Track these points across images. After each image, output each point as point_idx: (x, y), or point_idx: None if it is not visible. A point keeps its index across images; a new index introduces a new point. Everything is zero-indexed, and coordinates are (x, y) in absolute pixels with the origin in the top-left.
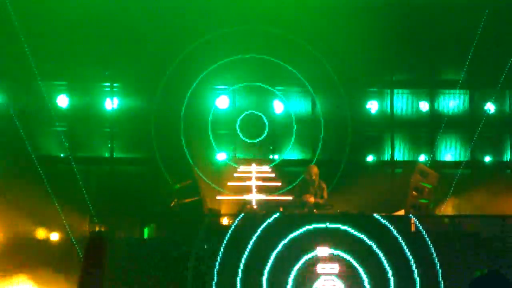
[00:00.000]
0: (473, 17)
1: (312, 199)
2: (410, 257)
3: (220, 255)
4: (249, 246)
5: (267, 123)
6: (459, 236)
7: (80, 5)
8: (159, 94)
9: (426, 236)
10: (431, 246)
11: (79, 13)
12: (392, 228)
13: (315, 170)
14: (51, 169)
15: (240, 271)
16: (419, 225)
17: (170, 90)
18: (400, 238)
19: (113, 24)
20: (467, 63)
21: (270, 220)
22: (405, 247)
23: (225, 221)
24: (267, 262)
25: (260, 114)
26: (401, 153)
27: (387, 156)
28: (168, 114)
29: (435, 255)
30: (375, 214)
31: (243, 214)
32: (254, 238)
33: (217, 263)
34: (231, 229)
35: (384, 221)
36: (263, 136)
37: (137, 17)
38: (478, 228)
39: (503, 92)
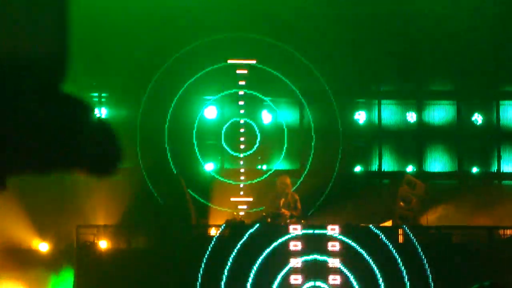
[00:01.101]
0: (461, 28)
1: (287, 212)
2: (403, 267)
3: (204, 264)
4: (233, 255)
5: (258, 132)
6: (447, 247)
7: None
8: (143, 104)
9: (418, 247)
10: (423, 257)
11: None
12: (384, 238)
13: (287, 180)
14: (38, 179)
15: (224, 277)
16: (412, 237)
17: (155, 100)
18: (391, 247)
19: (99, 32)
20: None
21: (252, 230)
22: (396, 256)
23: (212, 231)
24: (251, 270)
25: (249, 121)
26: (388, 163)
27: (374, 167)
28: (153, 124)
29: (427, 266)
30: (368, 225)
31: (224, 224)
32: (238, 246)
33: (200, 271)
34: (215, 238)
35: (376, 231)
36: (255, 148)
37: (122, 25)
38: (466, 239)
39: (490, 102)
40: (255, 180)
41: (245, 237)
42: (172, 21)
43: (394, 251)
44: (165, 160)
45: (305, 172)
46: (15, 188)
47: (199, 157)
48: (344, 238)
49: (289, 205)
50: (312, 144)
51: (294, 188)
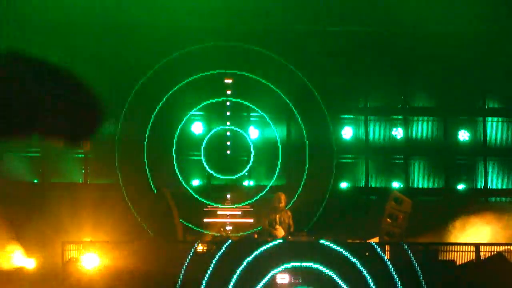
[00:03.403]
0: (448, 47)
1: (281, 233)
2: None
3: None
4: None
5: (246, 147)
6: (434, 263)
7: (55, 32)
8: (123, 118)
9: (415, 262)
10: (419, 273)
11: (53, 39)
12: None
13: (283, 197)
14: (26, 194)
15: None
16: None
17: (135, 114)
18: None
19: (79, 46)
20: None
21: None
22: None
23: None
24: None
25: (235, 128)
26: (375, 180)
27: (362, 183)
28: (133, 138)
29: (423, 283)
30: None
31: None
32: (217, 257)
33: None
34: (192, 250)
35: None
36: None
37: (103, 38)
38: (453, 255)
39: (477, 119)
40: (242, 204)
41: (220, 251)
42: (154, 33)
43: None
44: (145, 177)
45: (300, 189)
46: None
47: (178, 173)
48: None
49: (283, 221)
50: (306, 160)
51: (289, 205)
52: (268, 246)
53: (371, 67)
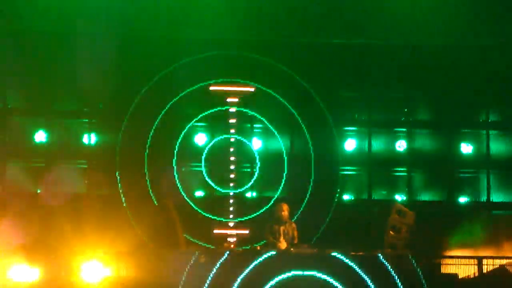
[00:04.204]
0: (450, 59)
1: (283, 246)
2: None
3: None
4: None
5: (250, 158)
6: (436, 276)
7: (58, 44)
8: (124, 128)
9: (420, 274)
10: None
11: (56, 52)
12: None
13: (286, 207)
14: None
15: None
16: (415, 265)
17: (136, 124)
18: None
19: (80, 56)
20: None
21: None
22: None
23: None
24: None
25: (238, 137)
26: (378, 192)
27: (365, 195)
28: (134, 149)
29: None
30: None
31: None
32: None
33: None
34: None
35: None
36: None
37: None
38: (456, 267)
39: (480, 132)
40: (246, 218)
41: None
42: (155, 45)
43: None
44: (146, 188)
45: (305, 200)
46: None
47: (178, 185)
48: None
49: (287, 233)
50: (312, 171)
51: (295, 218)
52: (262, 258)
53: (375, 79)
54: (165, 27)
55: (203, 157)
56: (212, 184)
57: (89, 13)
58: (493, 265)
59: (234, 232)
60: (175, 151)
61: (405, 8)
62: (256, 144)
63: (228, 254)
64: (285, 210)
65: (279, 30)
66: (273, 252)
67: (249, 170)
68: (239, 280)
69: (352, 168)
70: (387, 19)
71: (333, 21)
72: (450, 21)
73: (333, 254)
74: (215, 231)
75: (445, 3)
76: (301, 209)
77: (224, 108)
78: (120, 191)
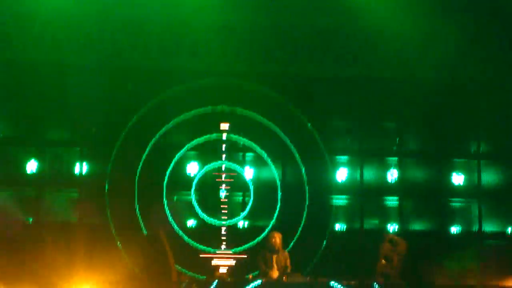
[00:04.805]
0: (442, 91)
1: (275, 274)
2: None
3: None
4: None
5: (241, 188)
6: None
7: (49, 73)
8: (113, 157)
9: None
10: None
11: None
12: None
13: (278, 235)
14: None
15: None
16: None
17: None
18: None
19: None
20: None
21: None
22: None
23: None
24: None
25: (229, 163)
26: (369, 221)
27: (356, 225)
28: (124, 178)
29: None
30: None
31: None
32: None
33: None
34: None
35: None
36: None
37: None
38: None
39: (471, 162)
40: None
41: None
42: (145, 74)
43: None
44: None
45: (299, 230)
46: None
47: (168, 215)
48: None
49: (279, 262)
50: (306, 200)
51: (289, 247)
52: (251, 287)
53: (367, 109)
54: (156, 57)
55: (192, 187)
56: (204, 216)
57: (81, 43)
58: None
59: (225, 262)
60: (164, 183)
61: (396, 42)
62: (248, 173)
63: (216, 284)
64: (276, 238)
65: (272, 61)
66: (262, 281)
67: (241, 199)
68: None
69: (344, 196)
70: (380, 52)
71: (325, 53)
72: (442, 55)
73: (327, 282)
74: (204, 257)
75: (436, 38)
76: (295, 239)
77: (215, 136)
78: (109, 220)
